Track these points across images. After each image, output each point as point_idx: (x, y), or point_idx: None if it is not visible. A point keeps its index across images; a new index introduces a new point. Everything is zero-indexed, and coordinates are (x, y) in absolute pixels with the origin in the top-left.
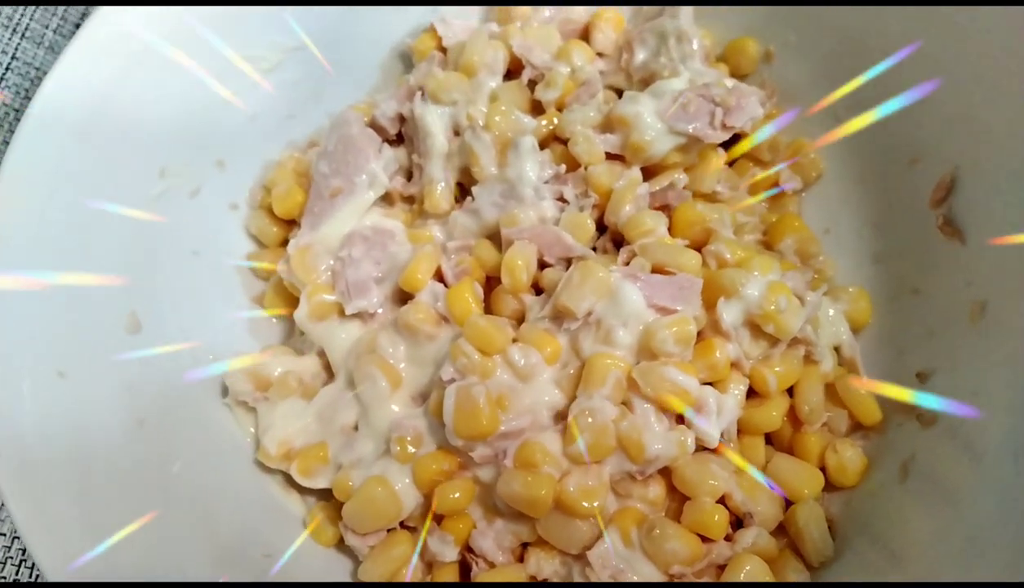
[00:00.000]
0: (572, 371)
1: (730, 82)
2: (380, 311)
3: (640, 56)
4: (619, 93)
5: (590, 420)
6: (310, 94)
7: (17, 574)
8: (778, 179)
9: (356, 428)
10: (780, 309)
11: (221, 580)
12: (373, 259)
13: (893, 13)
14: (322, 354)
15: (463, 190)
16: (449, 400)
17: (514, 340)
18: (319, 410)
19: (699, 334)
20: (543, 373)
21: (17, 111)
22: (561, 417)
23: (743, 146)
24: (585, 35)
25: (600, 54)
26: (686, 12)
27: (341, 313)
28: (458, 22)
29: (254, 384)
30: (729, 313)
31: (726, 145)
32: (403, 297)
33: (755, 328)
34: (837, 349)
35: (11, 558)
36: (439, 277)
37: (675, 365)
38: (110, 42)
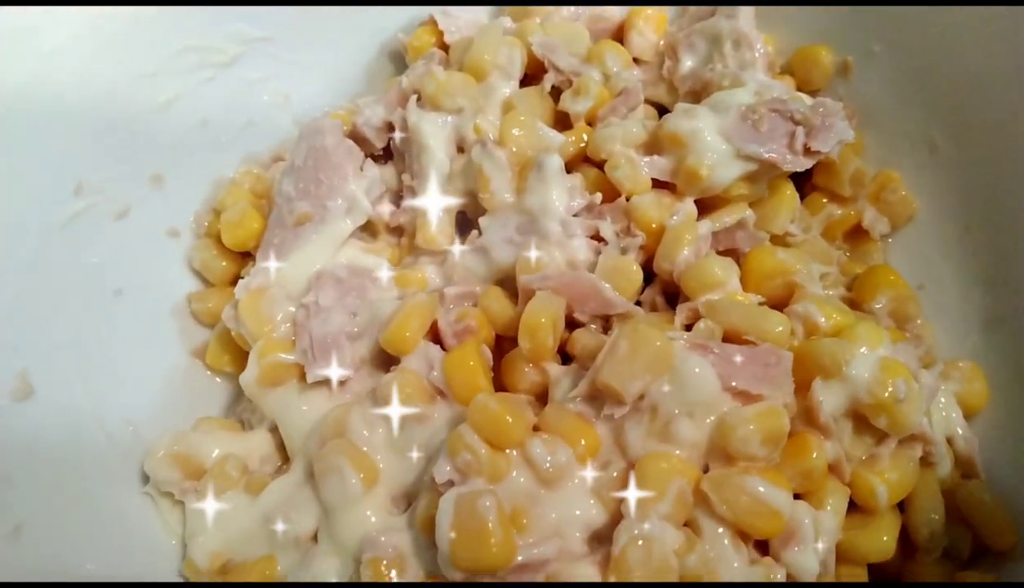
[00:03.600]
0: (616, 475)
1: (805, 98)
2: (354, 379)
3: (687, 63)
4: (659, 109)
5: (642, 549)
6: (276, 96)
7: None
8: (861, 219)
9: (315, 539)
10: (898, 397)
11: None
12: (347, 308)
13: (1007, 15)
14: (276, 430)
15: (467, 221)
16: (445, 513)
17: (535, 428)
18: (267, 511)
19: None
20: (575, 477)
21: None
22: (600, 541)
23: (820, 178)
24: (618, 37)
25: (636, 60)
26: (746, 12)
27: (303, 379)
28: (464, 14)
29: (182, 470)
30: (829, 400)
31: (795, 175)
32: (385, 361)
33: (858, 418)
34: (949, 442)
35: None
36: (434, 336)
37: (760, 473)
38: (17, 37)
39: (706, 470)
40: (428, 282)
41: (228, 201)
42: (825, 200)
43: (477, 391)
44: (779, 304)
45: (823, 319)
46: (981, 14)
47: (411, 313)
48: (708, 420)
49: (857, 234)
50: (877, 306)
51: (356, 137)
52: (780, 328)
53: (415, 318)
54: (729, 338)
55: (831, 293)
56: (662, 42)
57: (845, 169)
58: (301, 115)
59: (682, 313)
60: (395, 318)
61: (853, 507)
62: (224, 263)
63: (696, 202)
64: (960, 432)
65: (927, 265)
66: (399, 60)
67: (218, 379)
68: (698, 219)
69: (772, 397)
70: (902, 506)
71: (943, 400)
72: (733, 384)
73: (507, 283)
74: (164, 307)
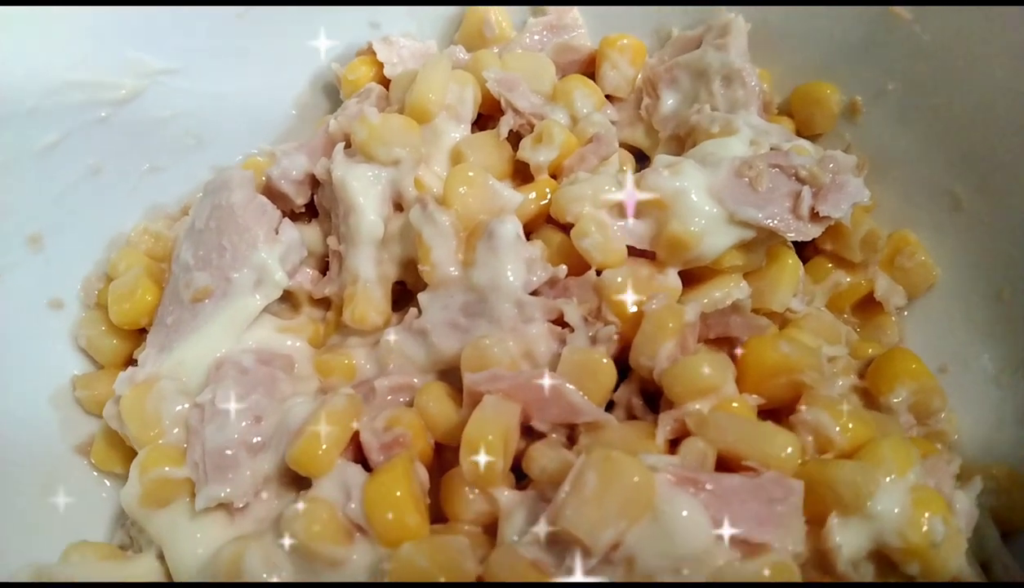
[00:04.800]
0: None
1: (809, 146)
2: (256, 502)
3: (669, 102)
4: (637, 155)
5: None
6: (186, 137)
7: None
8: (873, 289)
9: None
10: (935, 539)
11: None
12: (251, 411)
13: None
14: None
15: (407, 294)
16: None
17: (479, 578)
18: None
19: None
20: None
21: None
22: None
23: (825, 240)
24: (590, 69)
25: (611, 98)
26: (738, 42)
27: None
28: (408, 43)
29: None
30: (849, 542)
31: None
32: (296, 480)
33: (883, 560)
34: (985, 570)
35: None
36: (356, 449)
37: None
38: None
39: None
40: (357, 370)
41: (121, 267)
42: (831, 266)
43: (405, 532)
44: (783, 407)
45: (837, 431)
46: (1012, 46)
47: (325, 422)
48: (699, 577)
49: (869, 305)
50: (896, 400)
51: (272, 192)
52: (788, 450)
53: (330, 428)
54: (724, 460)
55: (842, 382)
56: (640, 76)
57: (855, 231)
58: (218, 159)
59: (665, 425)
60: (305, 429)
61: None
62: (115, 341)
63: (681, 273)
64: (994, 550)
65: (951, 343)
66: (334, 94)
67: (108, 484)
68: (683, 293)
69: (779, 545)
70: None
71: (980, 521)
72: (731, 530)
73: (452, 375)
74: (43, 393)
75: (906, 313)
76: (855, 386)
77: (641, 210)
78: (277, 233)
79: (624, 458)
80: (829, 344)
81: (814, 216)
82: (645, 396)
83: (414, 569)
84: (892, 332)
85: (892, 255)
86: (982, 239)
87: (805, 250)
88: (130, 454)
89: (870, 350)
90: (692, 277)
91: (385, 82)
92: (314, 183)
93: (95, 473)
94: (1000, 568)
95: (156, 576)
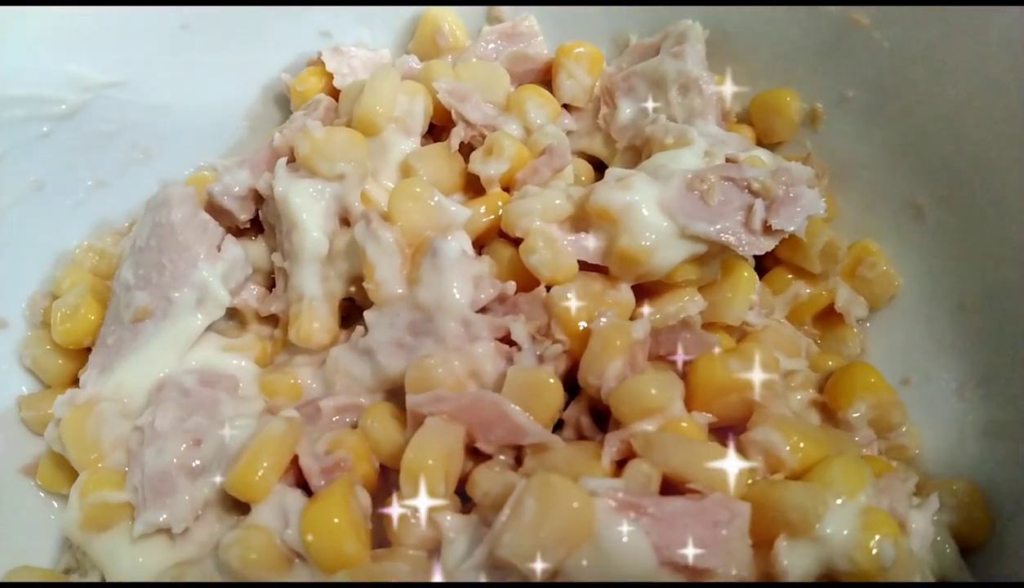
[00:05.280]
0: None
1: (765, 156)
2: (197, 526)
3: (626, 111)
4: (595, 164)
5: None
6: (133, 151)
7: None
8: (834, 300)
9: None
10: (885, 563)
11: None
12: (191, 434)
13: (1007, 54)
14: None
15: (355, 306)
16: None
17: None
18: None
19: None
20: None
21: None
22: None
23: (784, 251)
24: (546, 78)
25: (568, 107)
26: (695, 50)
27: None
28: (360, 52)
29: None
30: (797, 565)
31: None
32: (237, 504)
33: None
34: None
35: None
36: (297, 473)
37: None
38: None
39: None
40: (303, 390)
41: (65, 284)
42: (791, 277)
43: (342, 560)
44: (735, 425)
45: (788, 450)
46: (976, 51)
47: (262, 450)
48: None
49: (829, 317)
50: (855, 415)
51: (215, 209)
52: (734, 473)
53: (267, 456)
54: (669, 484)
55: (800, 396)
56: (597, 85)
57: (814, 241)
58: (166, 173)
59: (611, 446)
60: (243, 455)
61: None
62: (61, 361)
63: (635, 287)
64: (957, 574)
65: (912, 355)
66: (287, 105)
67: (55, 502)
68: (637, 307)
69: (723, 571)
70: None
71: (939, 538)
72: (672, 557)
73: (399, 395)
74: None
75: (868, 324)
76: (814, 400)
77: (592, 224)
78: (219, 251)
79: (563, 483)
80: (788, 357)
81: (767, 229)
82: (595, 414)
83: None
84: (854, 344)
85: (854, 265)
86: (945, 249)
87: (765, 261)
88: (76, 476)
89: (830, 363)
90: (646, 291)
91: (336, 93)
92: (258, 198)
93: (42, 494)
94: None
95: None
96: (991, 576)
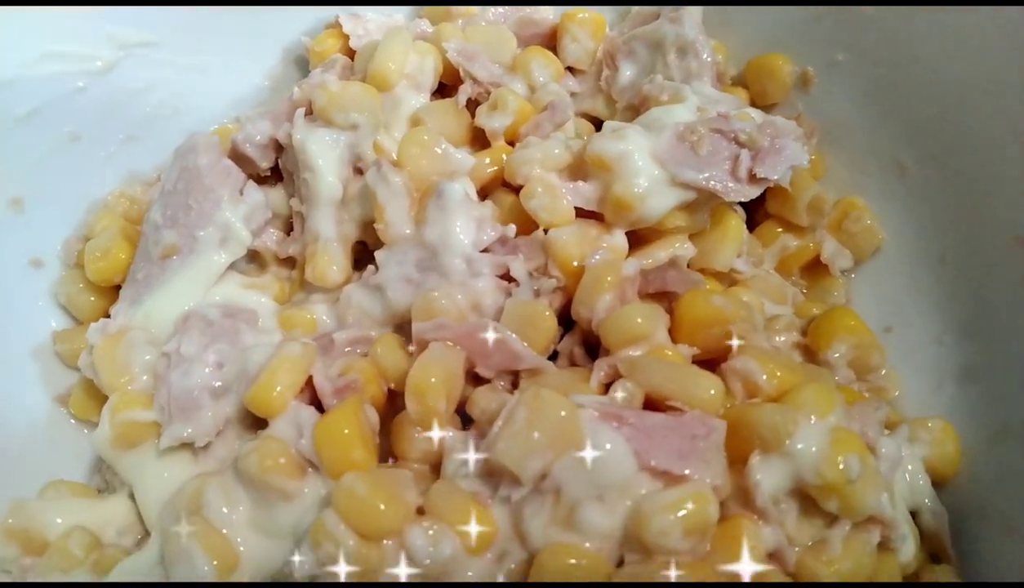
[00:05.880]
0: (514, 567)
1: (756, 114)
2: (218, 442)
3: (627, 73)
4: (598, 125)
5: None
6: (162, 107)
7: None
8: (820, 252)
9: None
10: (850, 477)
11: None
12: (214, 358)
13: (985, 22)
14: None
15: (367, 250)
16: None
17: (420, 511)
18: None
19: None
20: (466, 570)
21: None
22: None
23: (774, 205)
24: (551, 42)
25: (571, 69)
26: (692, 13)
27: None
28: (375, 16)
29: (21, 546)
30: (769, 479)
31: (746, 202)
32: (255, 422)
33: (805, 497)
34: (914, 516)
35: None
36: (312, 396)
37: (684, 567)
38: None
39: (621, 562)
40: (318, 324)
41: (97, 228)
42: (780, 230)
43: (350, 465)
44: (718, 358)
45: (765, 378)
46: (957, 20)
47: (280, 367)
48: (622, 505)
49: (816, 269)
50: (835, 356)
51: (238, 157)
52: (711, 392)
53: (284, 373)
54: (652, 403)
55: (783, 338)
56: (600, 49)
57: (802, 195)
58: (192, 129)
59: (599, 371)
60: (262, 373)
61: None
62: (93, 298)
63: (628, 235)
64: (928, 504)
65: (895, 304)
66: (305, 67)
67: (85, 431)
68: (630, 254)
69: (699, 478)
70: None
71: (910, 467)
72: (652, 462)
73: (407, 328)
74: (24, 347)
75: (853, 276)
76: (797, 343)
77: (588, 173)
78: (242, 194)
79: (552, 395)
80: (775, 303)
81: (752, 178)
82: (587, 347)
83: (355, 498)
84: (839, 294)
85: (840, 219)
86: (926, 205)
87: (755, 215)
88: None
89: (815, 310)
90: (639, 239)
91: (352, 54)
92: (278, 147)
93: (73, 422)
94: (929, 515)
95: (126, 514)
96: (960, 506)
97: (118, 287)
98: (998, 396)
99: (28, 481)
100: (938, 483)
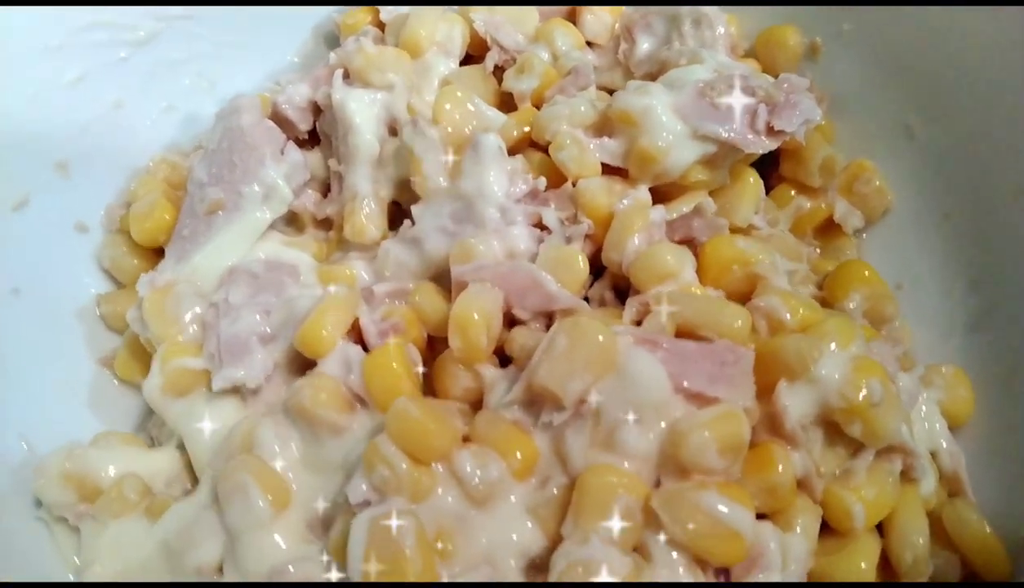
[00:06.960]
0: (556, 492)
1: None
2: (266, 387)
3: (644, 45)
4: None
5: (583, 577)
6: (199, 80)
7: None
8: (832, 213)
9: (220, 569)
10: (873, 400)
11: None
12: (261, 307)
13: None
14: (185, 448)
15: (400, 211)
16: (358, 538)
17: (466, 439)
18: (167, 538)
19: None
20: (510, 495)
21: None
22: (538, 569)
23: (787, 168)
24: (571, 17)
25: (591, 44)
26: None
27: (211, 387)
28: None
29: (77, 492)
30: (796, 405)
31: (760, 164)
32: (302, 366)
33: (830, 427)
34: (932, 457)
35: None
36: (357, 336)
37: (718, 488)
38: None
39: (658, 485)
40: (357, 279)
41: (140, 192)
42: (793, 192)
43: (399, 397)
44: (740, 299)
45: (788, 315)
46: None
47: (328, 309)
48: (658, 427)
49: (829, 229)
50: (851, 305)
51: (278, 119)
52: (739, 322)
53: (332, 314)
54: (684, 334)
55: (801, 291)
56: (618, 24)
57: (814, 157)
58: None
59: (631, 308)
60: (310, 316)
61: (826, 529)
62: (136, 261)
63: (651, 191)
64: (944, 445)
65: (905, 262)
66: (335, 43)
67: (129, 392)
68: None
69: (730, 400)
70: (881, 528)
71: (925, 409)
72: (685, 385)
73: (443, 279)
74: (68, 309)
75: (864, 236)
76: (813, 295)
77: (614, 129)
78: (283, 154)
79: (590, 322)
80: (791, 261)
81: (769, 131)
82: (617, 292)
83: (408, 421)
84: (851, 252)
85: (850, 181)
86: (932, 166)
87: (770, 179)
88: (149, 365)
89: (829, 267)
90: (661, 194)
91: (382, 27)
92: (316, 111)
93: (115, 383)
94: (946, 456)
95: (175, 464)
96: (975, 449)
97: (160, 251)
98: (1003, 345)
99: (76, 438)
100: (953, 427)
